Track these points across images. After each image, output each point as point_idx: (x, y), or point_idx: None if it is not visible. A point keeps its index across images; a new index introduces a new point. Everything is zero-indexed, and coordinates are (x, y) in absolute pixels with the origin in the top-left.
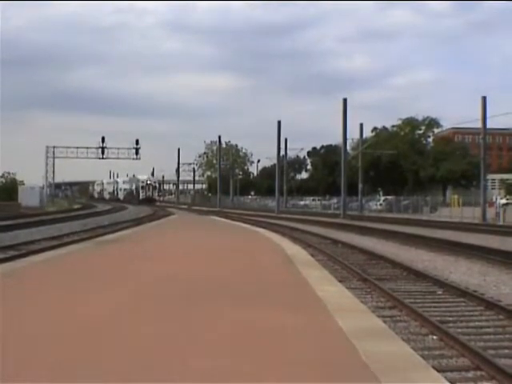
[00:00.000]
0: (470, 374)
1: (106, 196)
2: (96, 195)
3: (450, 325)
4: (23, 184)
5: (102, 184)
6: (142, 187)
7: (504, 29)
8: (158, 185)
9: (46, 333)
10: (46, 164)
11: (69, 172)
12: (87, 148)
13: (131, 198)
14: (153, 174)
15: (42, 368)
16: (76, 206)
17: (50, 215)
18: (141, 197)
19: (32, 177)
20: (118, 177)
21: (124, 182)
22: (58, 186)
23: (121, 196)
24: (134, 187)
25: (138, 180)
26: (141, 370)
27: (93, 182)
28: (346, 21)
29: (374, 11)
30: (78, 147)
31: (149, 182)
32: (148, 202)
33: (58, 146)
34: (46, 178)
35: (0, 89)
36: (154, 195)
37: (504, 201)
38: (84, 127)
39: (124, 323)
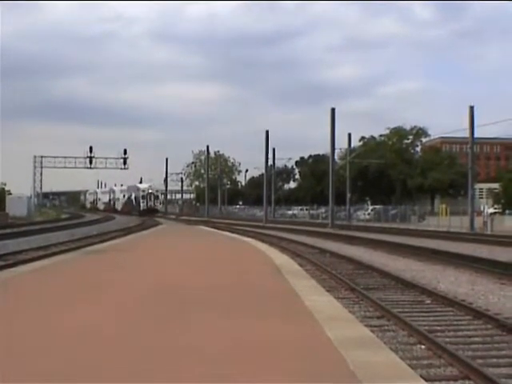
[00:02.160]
0: None
1: (101, 206)
2: (88, 205)
3: (439, 334)
4: (10, 194)
5: (96, 193)
6: (143, 196)
7: (490, 37)
8: (160, 194)
9: (30, 344)
10: (34, 174)
11: (56, 181)
12: (75, 158)
13: (130, 208)
14: (140, 183)
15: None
16: (64, 216)
17: (38, 225)
18: (141, 207)
19: (20, 186)
20: (105, 186)
21: (122, 191)
22: (45, 195)
23: (118, 206)
24: (133, 196)
25: (139, 189)
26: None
27: (84, 192)
28: (333, 30)
29: (362, 21)
30: (65, 157)
31: (150, 191)
32: (150, 212)
33: (46, 155)
34: (34, 187)
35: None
36: (156, 205)
37: (492, 210)
38: (72, 137)
39: (111, 335)
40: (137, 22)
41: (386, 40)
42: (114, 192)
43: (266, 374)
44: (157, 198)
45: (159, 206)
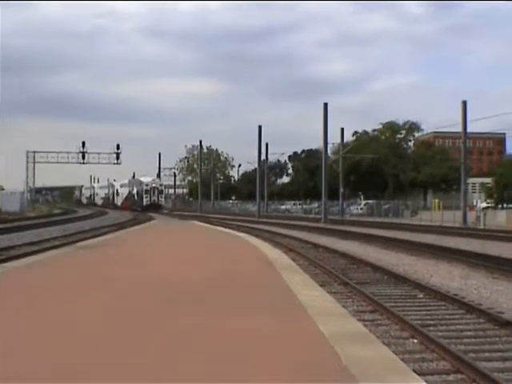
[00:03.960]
0: (451, 378)
1: (99, 201)
2: (84, 200)
3: (431, 328)
4: (3, 189)
5: (93, 188)
6: (146, 191)
7: (482, 33)
8: (164, 188)
9: (25, 336)
10: (27, 169)
11: (49, 177)
12: (68, 153)
13: (132, 203)
14: (133, 178)
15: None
16: (56, 211)
17: (31, 220)
18: (144, 202)
19: (12, 182)
20: (98, 181)
21: (122, 186)
22: (38, 191)
23: (118, 201)
24: (135, 191)
25: (141, 183)
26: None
27: (80, 187)
28: (324, 25)
29: (353, 16)
30: (58, 152)
31: (154, 185)
32: (154, 208)
33: (39, 150)
34: (27, 182)
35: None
36: (159, 200)
37: (484, 204)
38: (65, 132)
39: (105, 331)
40: (128, 17)
41: (377, 35)
42: (113, 186)
43: (258, 370)
44: (161, 192)
45: (163, 202)
